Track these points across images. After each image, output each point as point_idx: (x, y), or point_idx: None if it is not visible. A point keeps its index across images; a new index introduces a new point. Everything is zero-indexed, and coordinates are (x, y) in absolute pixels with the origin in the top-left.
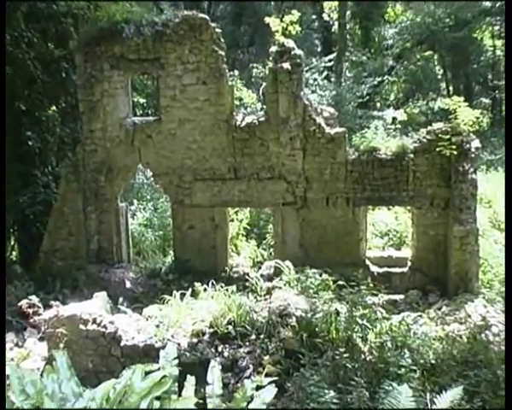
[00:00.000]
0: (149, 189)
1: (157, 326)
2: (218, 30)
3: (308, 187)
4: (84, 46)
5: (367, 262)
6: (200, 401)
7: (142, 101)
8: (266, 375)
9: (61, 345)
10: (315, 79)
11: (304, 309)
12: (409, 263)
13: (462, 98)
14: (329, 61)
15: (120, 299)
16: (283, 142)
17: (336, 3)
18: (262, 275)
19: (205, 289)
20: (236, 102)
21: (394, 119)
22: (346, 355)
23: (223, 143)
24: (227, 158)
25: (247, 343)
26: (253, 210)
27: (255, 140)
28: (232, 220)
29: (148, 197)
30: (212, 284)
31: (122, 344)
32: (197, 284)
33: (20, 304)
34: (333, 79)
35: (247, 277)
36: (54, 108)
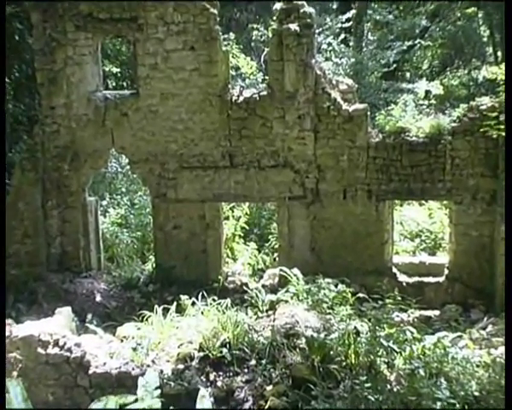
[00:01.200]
0: (125, 180)
1: (134, 349)
2: None
3: (321, 177)
4: (43, 2)
5: (393, 270)
6: None
7: (115, 70)
8: (269, 409)
9: (15, 373)
10: (329, 44)
11: (315, 328)
12: (446, 271)
13: None
14: (347, 20)
15: (89, 316)
16: (290, 121)
17: None
18: (264, 286)
19: (193, 304)
20: (232, 73)
21: (428, 92)
22: (367, 385)
23: (215, 122)
24: (220, 141)
25: (246, 370)
26: (252, 206)
27: (255, 119)
28: (227, 218)
29: (124, 190)
30: (203, 296)
31: (91, 372)
32: (184, 297)
33: None
34: (351, 44)
35: (245, 288)
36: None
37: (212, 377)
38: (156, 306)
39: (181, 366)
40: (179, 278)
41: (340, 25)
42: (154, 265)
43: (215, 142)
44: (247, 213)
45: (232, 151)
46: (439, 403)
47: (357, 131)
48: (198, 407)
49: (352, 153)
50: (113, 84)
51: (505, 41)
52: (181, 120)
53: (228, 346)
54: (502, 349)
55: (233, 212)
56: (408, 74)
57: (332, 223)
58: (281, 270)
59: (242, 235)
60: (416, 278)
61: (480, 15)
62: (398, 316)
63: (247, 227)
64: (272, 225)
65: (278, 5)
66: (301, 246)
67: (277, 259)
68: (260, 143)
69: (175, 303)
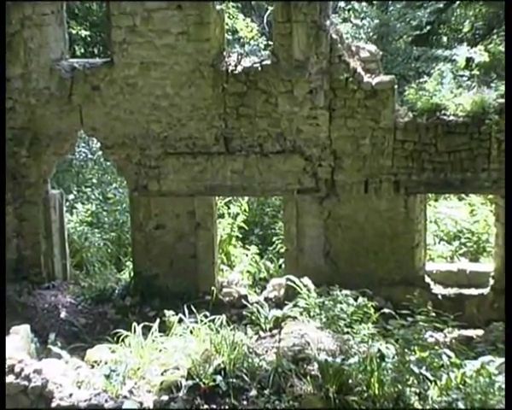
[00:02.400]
0: (96, 169)
1: (108, 377)
2: None
3: (337, 166)
4: None
5: (426, 280)
6: None
7: (84, 34)
8: None
9: None
10: (348, 2)
11: (330, 351)
12: (491, 281)
13: None
14: None
15: (52, 335)
16: (299, 97)
17: None
18: (267, 299)
19: (180, 321)
20: (228, 37)
21: (469, 60)
22: None
23: (207, 98)
24: (214, 122)
25: (245, 402)
26: (253, 201)
27: (256, 95)
28: (222, 216)
29: (95, 181)
30: (192, 312)
31: (54, 405)
32: (169, 313)
33: None
34: (375, 2)
35: (244, 302)
36: None
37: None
38: (135, 323)
39: (165, 398)
40: (163, 289)
41: None
42: (131, 273)
43: (207, 122)
44: (246, 210)
45: (228, 134)
46: None
47: (381, 108)
48: None
49: (375, 136)
50: (82, 50)
51: (505, 41)
52: (165, 95)
53: (223, 373)
54: None
55: (229, 208)
56: (445, 39)
57: (351, 222)
58: (288, 279)
59: (241, 236)
60: (455, 290)
61: None
62: (432, 336)
63: (247, 227)
64: (277, 224)
65: None
66: (313, 250)
67: (283, 266)
68: (263, 123)
69: (158, 320)
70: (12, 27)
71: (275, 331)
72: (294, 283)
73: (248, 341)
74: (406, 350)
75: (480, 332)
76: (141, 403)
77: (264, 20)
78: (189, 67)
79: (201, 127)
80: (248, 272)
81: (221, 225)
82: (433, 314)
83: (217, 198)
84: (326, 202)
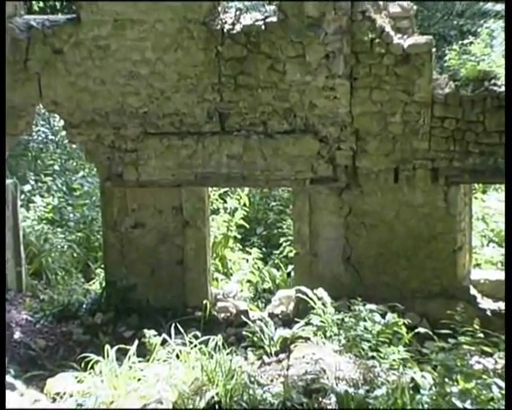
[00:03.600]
0: (58, 153)
1: None
2: None
3: (360, 149)
4: None
5: (472, 291)
6: None
7: None
8: None
9: None
10: None
11: (352, 380)
12: None
13: None
14: None
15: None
16: (313, 63)
17: None
18: (273, 315)
19: (164, 343)
20: None
21: None
22: None
23: (198, 65)
24: (206, 94)
25: None
26: (255, 193)
27: (259, 60)
28: (216, 212)
29: (57, 168)
30: (179, 332)
31: None
32: (149, 333)
33: None
34: None
35: (243, 318)
36: None
37: None
38: (107, 346)
39: None
40: (142, 303)
41: None
42: (103, 283)
43: (197, 94)
44: (246, 205)
45: (224, 109)
46: None
47: (415, 77)
48: None
49: (407, 111)
50: (41, 4)
51: (505, 41)
52: (145, 60)
53: (218, 407)
54: None
55: (225, 202)
56: None
57: (377, 219)
58: (298, 291)
59: (240, 237)
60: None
61: None
62: (478, 362)
63: (247, 225)
64: (285, 222)
65: None
66: (330, 255)
67: (293, 274)
68: (267, 96)
69: (136, 342)
70: None
71: (282, 356)
72: (307, 295)
73: (249, 367)
74: (447, 380)
75: None
76: None
77: None
78: (174, 25)
79: (190, 101)
80: (249, 281)
81: (215, 223)
82: (481, 335)
83: (210, 190)
84: (346, 194)
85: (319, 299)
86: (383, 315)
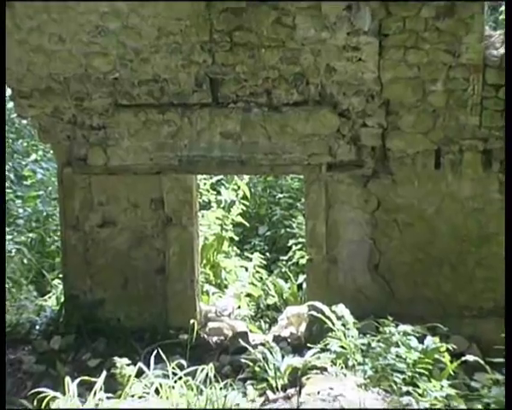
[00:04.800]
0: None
1: None
2: None
3: (391, 126)
4: None
5: None
6: None
7: None
8: None
9: None
10: None
11: None
12: None
13: None
14: None
15: None
16: (331, 15)
17: None
18: (279, 339)
19: (140, 374)
20: None
21: None
22: None
23: (183, 18)
24: (194, 55)
25: None
26: (257, 182)
27: (263, 12)
28: (207, 207)
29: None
30: (160, 360)
31: None
32: (121, 362)
33: None
34: None
35: (241, 343)
36: None
37: None
38: (67, 378)
39: None
40: (112, 323)
41: None
42: (62, 298)
43: (183, 56)
44: (245, 198)
45: (217, 74)
46: None
47: (462, 33)
48: None
49: (452, 77)
50: None
51: (505, 41)
52: (115, 12)
53: None
54: None
55: (218, 194)
56: None
57: (413, 216)
58: (312, 308)
59: (237, 239)
60: None
61: None
62: None
63: (247, 224)
64: (296, 219)
65: None
66: (352, 261)
67: (305, 286)
68: (272, 57)
69: (104, 373)
70: None
71: (291, 391)
72: (322, 313)
73: (249, 405)
74: None
75: None
76: None
77: None
78: None
79: (173, 64)
80: (249, 295)
81: (205, 220)
82: None
83: (199, 178)
84: (373, 183)
85: (339, 318)
86: (421, 339)
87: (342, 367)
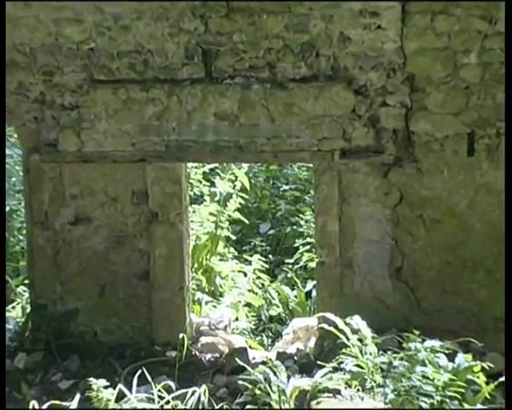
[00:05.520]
0: None
1: None
2: None
3: (416, 105)
4: None
5: None
6: None
7: None
8: None
9: None
10: None
11: None
12: None
13: None
14: None
15: None
16: None
17: None
18: (284, 356)
19: (120, 397)
20: None
21: None
22: None
23: None
24: (183, 22)
25: None
26: (258, 171)
27: None
28: (199, 201)
29: None
30: (144, 380)
31: None
32: (98, 383)
33: None
34: None
35: (239, 362)
36: None
37: None
38: (33, 402)
39: None
40: (87, 338)
41: None
42: (28, 308)
43: (170, 22)
44: (245, 190)
45: (210, 45)
46: None
47: None
48: None
49: (488, 48)
50: None
51: (505, 41)
52: None
53: None
54: None
55: (212, 185)
56: None
57: (441, 211)
58: (323, 320)
59: (235, 239)
60: None
61: None
62: None
63: (246, 221)
64: (304, 215)
65: None
66: (371, 264)
67: (315, 294)
68: (276, 24)
69: (78, 396)
70: None
71: None
72: (335, 326)
73: None
74: None
75: None
76: None
77: None
78: None
79: (159, 32)
80: (248, 305)
81: (197, 217)
82: None
83: (189, 167)
84: (395, 173)
85: (354, 332)
86: (452, 357)
87: (359, 390)
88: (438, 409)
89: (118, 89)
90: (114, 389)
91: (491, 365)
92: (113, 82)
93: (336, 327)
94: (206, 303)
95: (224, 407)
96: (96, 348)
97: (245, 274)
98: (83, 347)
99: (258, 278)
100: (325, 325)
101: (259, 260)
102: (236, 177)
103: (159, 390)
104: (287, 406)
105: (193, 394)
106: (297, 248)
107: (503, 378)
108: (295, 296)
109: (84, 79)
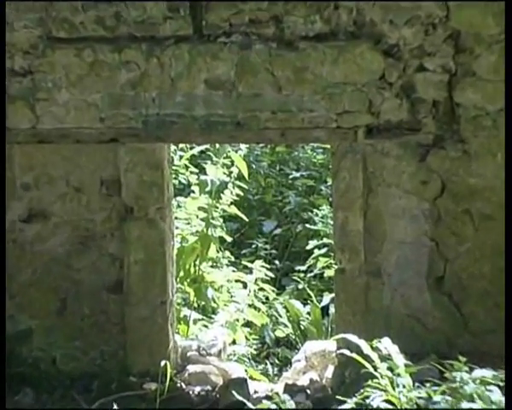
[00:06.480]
0: None
1: None
2: None
3: (462, 69)
4: None
5: None
6: None
7: None
8: None
9: None
10: None
11: None
12: None
13: None
14: None
15: None
16: None
17: None
18: (294, 389)
19: None
20: None
21: None
22: None
23: None
24: None
25: None
26: (259, 153)
27: None
28: (185, 192)
29: None
30: None
31: None
32: None
33: None
34: None
35: (236, 396)
36: None
37: None
38: None
39: None
40: (43, 366)
41: None
42: None
43: None
44: (243, 178)
45: None
46: None
47: None
48: None
49: None
50: None
51: (505, 41)
52: None
53: None
54: None
55: (202, 172)
56: None
57: (494, 205)
58: (343, 343)
59: (231, 240)
60: None
61: None
62: None
63: (245, 218)
64: (319, 211)
65: None
66: (404, 272)
67: (333, 311)
68: None
69: None
70: None
71: None
72: (359, 351)
73: None
74: None
75: None
76: None
77: None
78: None
79: None
80: (248, 324)
81: (183, 212)
82: None
83: (173, 149)
84: (435, 156)
85: (383, 359)
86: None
87: None
88: None
89: (82, 49)
90: None
91: None
92: (76, 40)
93: (360, 352)
94: (195, 322)
95: None
96: (55, 378)
97: (244, 285)
98: (38, 377)
99: (261, 289)
100: (346, 351)
101: (262, 267)
102: (233, 162)
103: None
104: None
105: None
106: (310, 252)
107: None
108: (308, 313)
109: (39, 36)
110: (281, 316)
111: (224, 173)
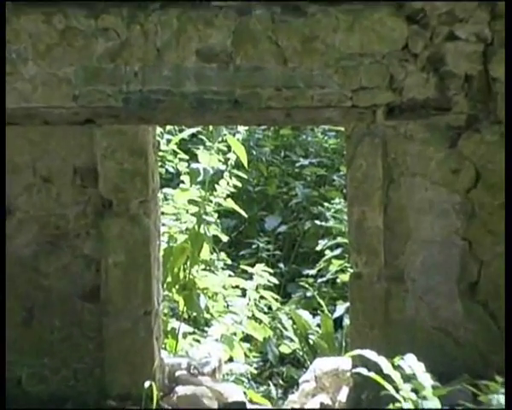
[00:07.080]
0: None
1: None
2: None
3: (499, 39)
4: None
5: None
6: None
7: None
8: None
9: None
10: None
11: None
12: None
13: None
14: None
15: None
16: None
17: None
18: None
19: None
20: None
21: None
22: None
23: None
24: None
25: None
26: (261, 137)
27: None
28: (172, 182)
29: None
30: None
31: None
32: None
33: None
34: None
35: None
36: None
37: None
38: None
39: None
40: (8, 386)
41: None
42: None
43: None
44: (241, 166)
45: None
46: None
47: None
48: None
49: None
50: None
51: (505, 41)
52: None
53: None
54: None
55: (193, 159)
56: None
57: None
58: (358, 361)
59: (227, 240)
60: None
61: None
62: None
63: (244, 213)
64: (332, 205)
65: None
66: (431, 278)
67: (348, 323)
68: None
69: None
70: None
71: None
72: (378, 369)
73: None
74: None
75: None
76: None
77: None
78: None
79: None
80: (248, 338)
81: (170, 207)
82: None
83: (159, 131)
84: (469, 141)
85: (407, 379)
86: None
87: None
88: None
89: (52, 14)
90: None
91: None
92: (44, 4)
93: (379, 372)
94: (185, 336)
95: None
96: (21, 401)
97: (243, 292)
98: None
99: (263, 298)
100: (363, 369)
101: (264, 271)
102: (230, 147)
103: None
104: None
105: None
106: (321, 254)
107: None
108: (318, 325)
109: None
110: (286, 329)
111: (220, 161)
